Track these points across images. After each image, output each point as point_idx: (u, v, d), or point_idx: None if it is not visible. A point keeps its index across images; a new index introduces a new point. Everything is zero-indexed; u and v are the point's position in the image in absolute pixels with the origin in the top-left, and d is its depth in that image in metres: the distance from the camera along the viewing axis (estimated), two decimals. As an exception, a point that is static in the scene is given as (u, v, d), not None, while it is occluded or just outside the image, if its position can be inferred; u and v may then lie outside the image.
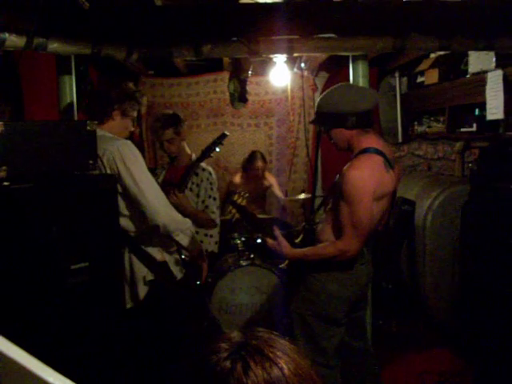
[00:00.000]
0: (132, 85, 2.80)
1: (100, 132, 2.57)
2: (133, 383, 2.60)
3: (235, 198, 2.75)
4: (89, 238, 2.06)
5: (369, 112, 2.47)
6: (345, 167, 2.39)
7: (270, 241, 2.63)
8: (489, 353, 2.98)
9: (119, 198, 2.52)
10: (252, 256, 3.87)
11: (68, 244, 1.98)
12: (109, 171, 2.48)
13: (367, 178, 2.30)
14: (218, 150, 3.30)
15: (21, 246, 1.84)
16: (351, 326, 2.67)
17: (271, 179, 5.42)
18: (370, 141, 2.44)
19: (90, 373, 1.95)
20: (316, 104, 2.62)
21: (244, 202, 2.78)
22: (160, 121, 3.54)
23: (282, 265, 2.75)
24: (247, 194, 2.85)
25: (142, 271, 2.63)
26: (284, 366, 0.81)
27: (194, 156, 3.70)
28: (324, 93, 2.58)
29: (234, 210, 2.71)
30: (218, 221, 3.62)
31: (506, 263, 2.82)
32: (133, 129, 2.85)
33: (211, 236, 3.70)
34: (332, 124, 2.51)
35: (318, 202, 3.09)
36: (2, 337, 0.53)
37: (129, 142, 2.57)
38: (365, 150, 2.41)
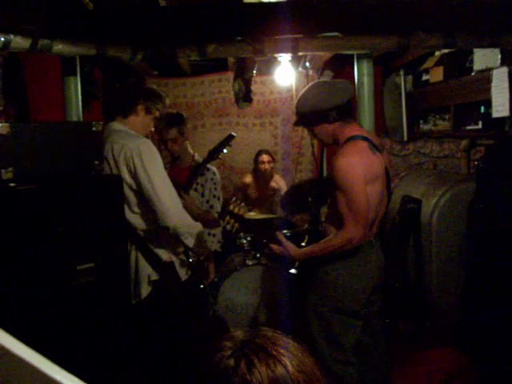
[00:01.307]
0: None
1: (122, 127, 2.64)
2: (138, 382, 2.60)
3: (231, 207, 2.71)
4: (95, 238, 2.07)
5: (348, 103, 2.52)
6: (333, 158, 2.43)
7: (274, 247, 2.63)
8: (495, 352, 2.97)
9: (132, 195, 2.55)
10: (258, 255, 3.87)
11: (74, 245, 1.99)
12: (125, 167, 2.50)
13: (354, 162, 2.35)
14: (225, 151, 3.29)
15: (27, 246, 1.85)
16: (363, 322, 2.66)
17: (280, 182, 5.44)
18: (354, 130, 2.51)
19: (95, 371, 1.96)
20: (294, 106, 2.66)
21: (241, 211, 2.74)
22: (164, 120, 3.54)
23: (292, 269, 2.72)
24: (243, 203, 2.82)
25: (147, 270, 2.63)
26: (288, 364, 0.82)
27: (196, 156, 3.69)
28: (300, 93, 2.63)
29: (232, 221, 2.67)
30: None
31: (513, 261, 2.81)
32: (152, 129, 2.87)
33: (214, 235, 3.70)
34: (314, 122, 2.56)
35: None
36: (9, 335, 0.53)
37: (149, 141, 2.60)
38: (349, 139, 2.47)
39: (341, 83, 2.60)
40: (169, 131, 3.50)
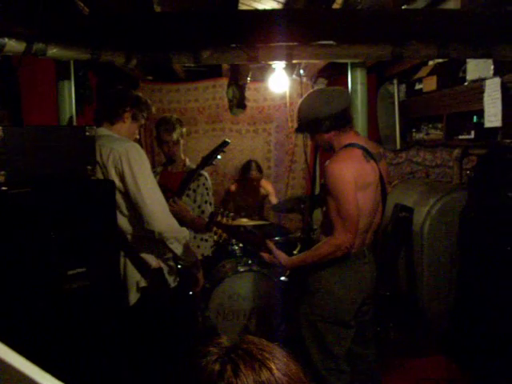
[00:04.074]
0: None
1: (109, 132, 2.65)
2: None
3: (219, 218, 2.70)
4: (86, 243, 2.06)
5: (343, 112, 2.51)
6: (325, 164, 2.44)
7: (266, 255, 2.64)
8: (485, 360, 2.97)
9: (121, 198, 2.54)
10: (250, 262, 3.86)
11: (66, 249, 1.98)
12: (113, 170, 2.50)
13: (345, 168, 2.37)
14: (219, 157, 3.28)
15: (18, 251, 1.84)
16: (355, 332, 2.66)
17: (268, 187, 5.40)
18: (350, 138, 2.52)
19: (85, 378, 1.94)
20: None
21: (230, 221, 2.72)
22: (169, 122, 3.56)
23: (283, 277, 2.72)
24: (232, 213, 2.81)
25: (135, 277, 2.62)
26: (273, 367, 0.82)
27: (187, 161, 3.69)
28: (299, 101, 2.64)
29: (219, 231, 2.66)
30: None
31: (504, 270, 2.82)
32: (137, 136, 2.88)
33: (206, 240, 3.70)
34: (311, 130, 2.59)
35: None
36: (0, 343, 0.53)
37: (137, 144, 2.61)
38: (344, 146, 2.48)
39: (337, 92, 2.59)
40: (172, 133, 3.52)
